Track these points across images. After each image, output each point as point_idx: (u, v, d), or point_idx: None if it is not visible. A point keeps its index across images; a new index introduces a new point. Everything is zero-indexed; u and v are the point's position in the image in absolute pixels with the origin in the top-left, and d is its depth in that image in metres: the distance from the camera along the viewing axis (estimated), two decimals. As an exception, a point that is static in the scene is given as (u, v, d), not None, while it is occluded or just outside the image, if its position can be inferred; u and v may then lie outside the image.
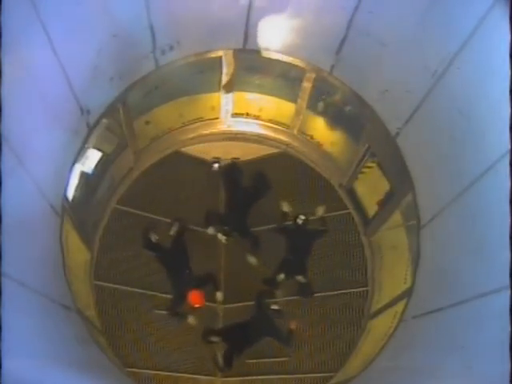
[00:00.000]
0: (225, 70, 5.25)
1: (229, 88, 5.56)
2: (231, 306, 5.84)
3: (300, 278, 5.63)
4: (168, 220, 5.81)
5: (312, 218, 5.87)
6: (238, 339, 5.41)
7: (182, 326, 5.70)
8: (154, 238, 5.54)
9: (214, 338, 5.48)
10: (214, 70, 5.24)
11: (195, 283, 5.52)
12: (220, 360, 5.48)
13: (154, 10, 4.02)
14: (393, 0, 3.68)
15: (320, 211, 5.82)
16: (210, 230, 5.80)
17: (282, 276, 5.63)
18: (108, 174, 5.33)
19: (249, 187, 5.87)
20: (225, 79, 5.40)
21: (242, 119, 6.03)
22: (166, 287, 5.68)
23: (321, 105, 5.42)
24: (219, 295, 5.73)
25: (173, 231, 5.65)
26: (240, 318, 5.52)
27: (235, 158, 6.27)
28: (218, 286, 5.75)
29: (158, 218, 5.87)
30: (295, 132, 5.99)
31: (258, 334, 5.43)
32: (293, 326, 5.40)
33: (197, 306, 5.46)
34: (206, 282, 5.65)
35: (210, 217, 5.88)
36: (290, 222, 5.76)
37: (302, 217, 5.67)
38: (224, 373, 5.56)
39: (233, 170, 5.94)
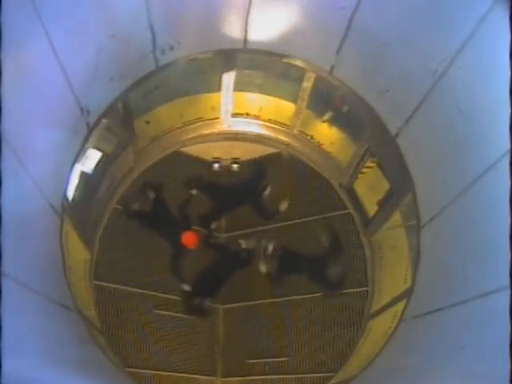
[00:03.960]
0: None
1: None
2: (231, 306, 5.85)
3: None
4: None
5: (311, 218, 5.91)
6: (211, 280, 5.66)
7: (182, 325, 5.71)
8: (134, 206, 5.65)
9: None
10: (214, 70, 5.24)
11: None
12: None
13: (154, 10, 4.01)
14: (393, 0, 3.68)
15: (283, 206, 5.89)
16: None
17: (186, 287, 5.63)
18: (108, 174, 5.33)
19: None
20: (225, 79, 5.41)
21: (241, 119, 6.03)
22: (166, 287, 5.69)
23: (329, 113, 5.42)
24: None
25: (151, 196, 5.76)
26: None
27: (235, 158, 6.28)
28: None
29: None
30: (295, 132, 5.99)
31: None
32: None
33: (191, 247, 5.48)
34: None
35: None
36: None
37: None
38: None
39: None
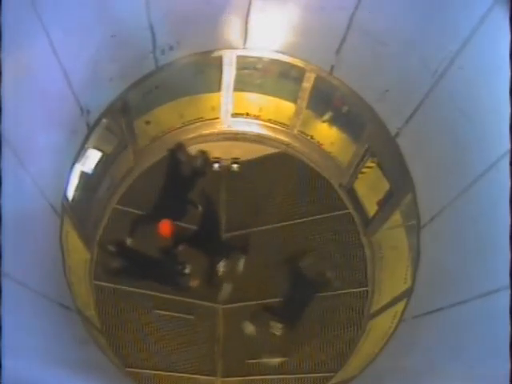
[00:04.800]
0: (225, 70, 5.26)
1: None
2: (231, 306, 5.85)
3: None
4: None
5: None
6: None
7: (182, 325, 5.70)
8: (181, 156, 5.71)
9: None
10: (214, 70, 5.24)
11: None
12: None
13: (154, 10, 4.02)
14: (393, 0, 3.68)
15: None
16: None
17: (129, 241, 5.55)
18: (108, 174, 5.33)
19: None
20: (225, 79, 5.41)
21: (241, 119, 6.03)
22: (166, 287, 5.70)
23: (329, 114, 5.42)
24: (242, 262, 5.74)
25: (199, 163, 5.84)
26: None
27: (235, 158, 6.29)
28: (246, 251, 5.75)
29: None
30: (295, 132, 5.99)
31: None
32: (194, 283, 5.53)
33: (165, 236, 5.45)
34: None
35: None
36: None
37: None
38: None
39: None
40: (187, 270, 5.56)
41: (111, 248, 5.51)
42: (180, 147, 5.80)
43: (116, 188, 5.72)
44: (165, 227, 5.43)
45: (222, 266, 5.53)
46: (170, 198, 5.65)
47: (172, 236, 5.46)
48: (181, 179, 5.75)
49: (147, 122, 5.50)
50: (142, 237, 5.66)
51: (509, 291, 2.60)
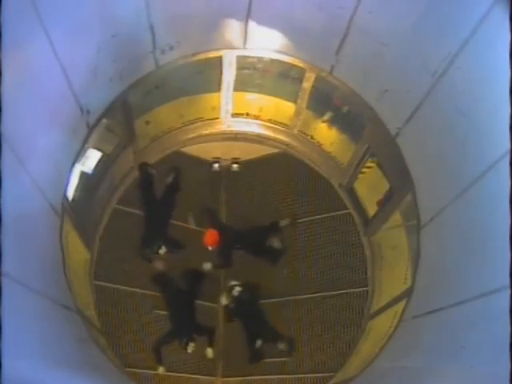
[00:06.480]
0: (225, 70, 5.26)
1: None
2: (231, 306, 5.84)
3: (282, 346, 5.49)
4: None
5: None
6: None
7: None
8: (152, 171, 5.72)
9: None
10: (214, 70, 5.24)
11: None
12: None
13: (154, 9, 4.02)
14: (393, 0, 3.68)
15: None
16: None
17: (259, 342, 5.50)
18: (108, 173, 5.33)
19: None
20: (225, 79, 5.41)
21: (242, 119, 6.03)
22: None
23: (329, 114, 5.43)
24: (209, 351, 5.62)
25: (169, 180, 5.83)
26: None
27: (235, 158, 6.29)
28: (212, 342, 5.66)
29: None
30: (295, 132, 5.99)
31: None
32: (158, 264, 5.65)
33: (210, 247, 5.54)
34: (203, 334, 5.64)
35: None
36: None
37: (238, 288, 5.59)
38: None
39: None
40: (161, 251, 5.61)
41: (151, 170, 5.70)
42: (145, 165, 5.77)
43: (116, 188, 5.72)
44: (210, 237, 5.50)
45: (190, 347, 5.47)
46: (155, 223, 5.65)
47: (219, 244, 5.54)
48: (158, 200, 5.75)
49: (147, 122, 5.50)
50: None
51: (509, 291, 2.60)
